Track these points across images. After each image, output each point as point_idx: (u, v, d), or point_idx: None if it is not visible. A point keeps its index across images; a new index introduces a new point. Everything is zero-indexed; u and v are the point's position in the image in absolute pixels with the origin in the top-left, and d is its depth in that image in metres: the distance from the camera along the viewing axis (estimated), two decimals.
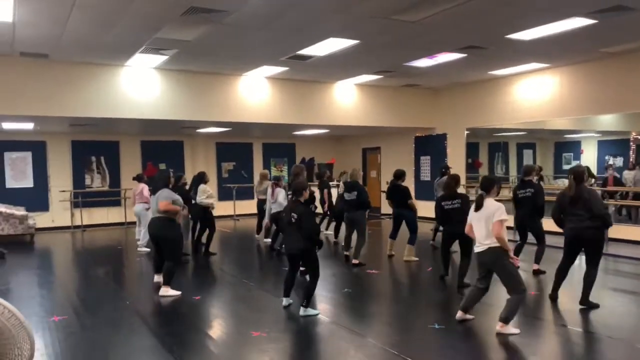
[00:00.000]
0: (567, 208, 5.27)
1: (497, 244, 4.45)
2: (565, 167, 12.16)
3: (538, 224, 6.77)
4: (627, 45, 8.19)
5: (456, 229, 5.83)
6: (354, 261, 7.59)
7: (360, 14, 6.41)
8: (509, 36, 7.48)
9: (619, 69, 9.04)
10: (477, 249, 4.66)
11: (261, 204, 9.68)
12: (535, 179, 7.19)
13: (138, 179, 9.51)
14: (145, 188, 9.11)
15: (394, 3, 6.00)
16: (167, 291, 5.99)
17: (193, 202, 8.41)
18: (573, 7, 6.25)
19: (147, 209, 8.52)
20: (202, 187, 8.62)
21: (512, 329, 4.50)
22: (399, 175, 8.07)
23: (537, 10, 6.35)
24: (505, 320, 4.48)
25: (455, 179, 6.69)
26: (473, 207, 4.71)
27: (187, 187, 8.77)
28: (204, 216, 8.58)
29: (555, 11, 6.39)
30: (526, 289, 4.64)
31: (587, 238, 5.16)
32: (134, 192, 9.64)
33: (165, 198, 6.17)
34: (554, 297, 5.52)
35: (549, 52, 8.64)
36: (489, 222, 4.47)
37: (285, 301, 5.38)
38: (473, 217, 4.69)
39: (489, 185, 4.70)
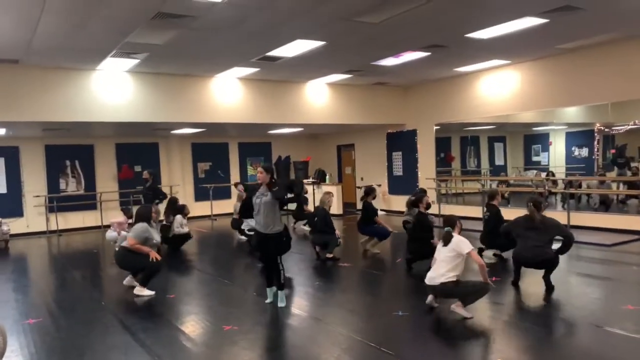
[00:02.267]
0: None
1: (451, 279, 4.78)
2: (535, 158, 12.62)
3: (499, 239, 7.00)
4: (580, 41, 8.60)
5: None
6: (328, 255, 7.83)
7: (324, 16, 6.64)
8: (468, 35, 7.80)
9: (575, 64, 9.47)
10: (431, 282, 4.93)
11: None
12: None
13: (125, 211, 9.75)
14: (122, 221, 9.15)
15: (355, 5, 6.24)
16: (141, 291, 6.13)
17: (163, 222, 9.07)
18: (524, 7, 6.59)
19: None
20: (178, 218, 9.16)
21: (464, 312, 4.78)
22: (368, 192, 8.37)
23: (490, 10, 6.68)
24: (464, 301, 4.78)
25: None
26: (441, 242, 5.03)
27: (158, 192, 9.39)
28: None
29: (508, 12, 6.73)
30: (489, 285, 4.91)
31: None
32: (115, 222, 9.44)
33: (137, 236, 6.17)
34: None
35: (508, 49, 9.01)
36: (455, 257, 4.82)
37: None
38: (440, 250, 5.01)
39: (453, 223, 5.06)
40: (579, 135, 11.66)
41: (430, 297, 5.11)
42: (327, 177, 14.48)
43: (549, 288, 5.60)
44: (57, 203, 12.54)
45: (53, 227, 12.47)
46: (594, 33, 8.09)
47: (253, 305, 5.52)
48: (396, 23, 6.96)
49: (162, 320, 5.26)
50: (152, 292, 6.14)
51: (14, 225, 11.76)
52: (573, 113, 10.83)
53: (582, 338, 4.37)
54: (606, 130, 10.43)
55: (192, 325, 5.06)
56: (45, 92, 9.03)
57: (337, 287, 6.50)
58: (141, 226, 6.30)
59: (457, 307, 4.79)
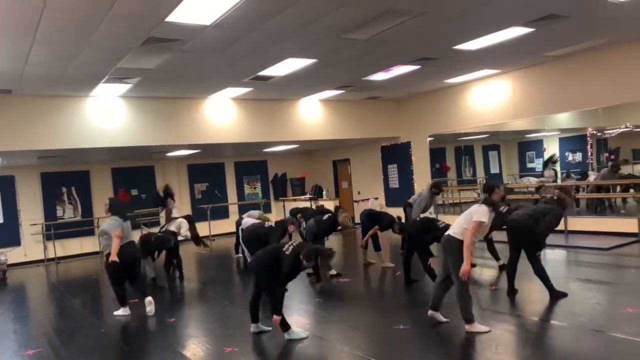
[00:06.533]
0: None
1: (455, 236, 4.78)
2: (530, 165, 12.74)
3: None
4: (569, 48, 8.71)
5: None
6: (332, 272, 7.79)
7: (314, 35, 6.72)
8: (456, 47, 7.89)
9: (565, 71, 9.58)
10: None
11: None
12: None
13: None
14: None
15: (343, 23, 6.32)
16: (150, 303, 6.32)
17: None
18: (508, 18, 6.68)
19: None
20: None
21: (480, 326, 4.70)
22: None
23: (476, 23, 6.77)
24: (468, 320, 4.71)
25: None
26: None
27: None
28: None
29: (493, 23, 6.83)
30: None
31: None
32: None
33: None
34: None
35: (497, 59, 9.12)
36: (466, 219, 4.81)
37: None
38: None
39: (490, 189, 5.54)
40: (572, 141, 11.76)
41: (430, 311, 5.09)
42: (324, 192, 14.51)
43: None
44: (55, 230, 12.49)
45: (51, 255, 12.40)
46: (580, 40, 8.20)
47: None
48: (384, 38, 7.04)
49: (163, 344, 5.22)
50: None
51: (11, 255, 11.69)
52: (565, 119, 10.94)
53: (583, 344, 4.35)
54: (599, 134, 10.54)
55: (193, 349, 5.02)
56: (40, 120, 9.07)
57: (338, 304, 6.47)
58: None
59: (470, 328, 4.68)
